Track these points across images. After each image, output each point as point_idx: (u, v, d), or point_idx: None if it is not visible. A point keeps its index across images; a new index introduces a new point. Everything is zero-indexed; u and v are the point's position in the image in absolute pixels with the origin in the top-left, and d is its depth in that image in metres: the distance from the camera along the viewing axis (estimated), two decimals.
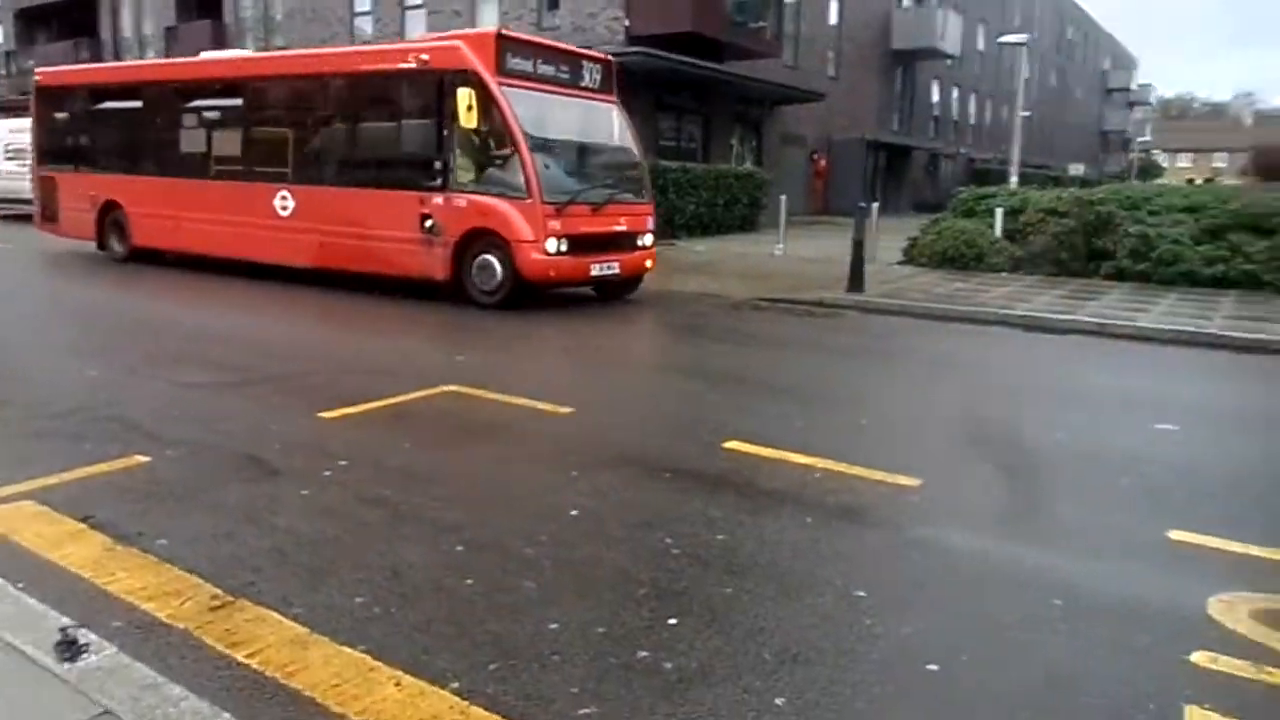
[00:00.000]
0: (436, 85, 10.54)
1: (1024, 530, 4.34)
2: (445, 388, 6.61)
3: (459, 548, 3.85)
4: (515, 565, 3.68)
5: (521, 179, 10.02)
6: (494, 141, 10.41)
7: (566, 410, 6.12)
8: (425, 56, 10.71)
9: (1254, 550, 4.04)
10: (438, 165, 10.61)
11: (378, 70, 11.40)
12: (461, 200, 10.44)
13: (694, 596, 3.47)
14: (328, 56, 13.21)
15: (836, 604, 3.47)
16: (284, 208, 12.07)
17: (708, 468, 5.06)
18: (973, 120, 46.28)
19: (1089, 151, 62.18)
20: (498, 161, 10.42)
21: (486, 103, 10.05)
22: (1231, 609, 3.45)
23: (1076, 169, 45.37)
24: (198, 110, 13.40)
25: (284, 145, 12.36)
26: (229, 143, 12.98)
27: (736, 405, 6.77)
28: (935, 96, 41.73)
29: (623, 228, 11.04)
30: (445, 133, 10.50)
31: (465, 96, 9.86)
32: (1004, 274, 14.90)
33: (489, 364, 7.80)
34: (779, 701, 2.78)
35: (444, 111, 10.40)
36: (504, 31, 10.88)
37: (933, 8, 37.38)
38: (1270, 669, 3.03)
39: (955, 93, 43.75)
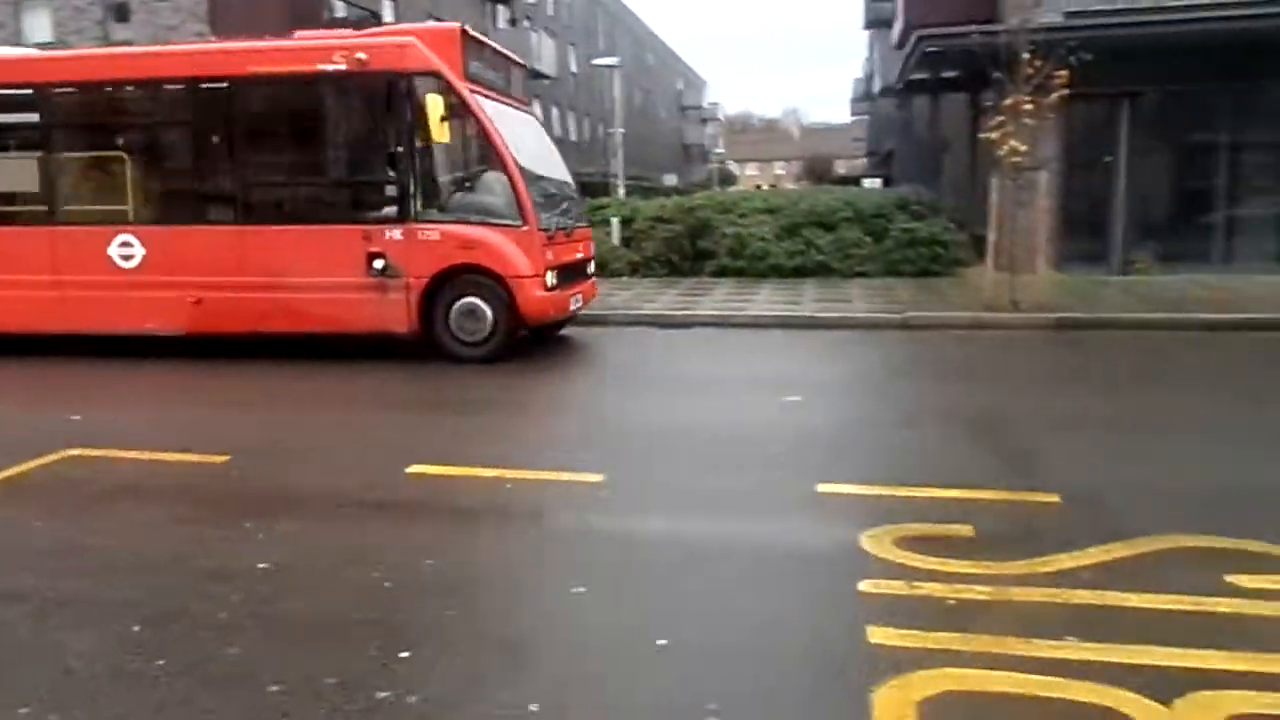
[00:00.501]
0: (384, 91, 8.59)
1: (701, 506, 4.75)
2: (66, 453, 5.73)
3: (136, 627, 3.39)
4: (212, 634, 3.32)
5: (512, 202, 8.50)
6: (469, 159, 8.86)
7: (221, 459, 5.60)
8: (362, 56, 8.50)
9: (883, 490, 4.79)
10: (391, 191, 8.69)
11: (284, 73, 8.85)
12: (431, 232, 8.58)
13: (419, 625, 3.38)
14: (194, 55, 9.55)
15: (559, 603, 3.57)
16: (127, 257, 9.13)
17: (397, 497, 4.92)
18: (574, 137, 48.93)
19: (675, 163, 68.46)
20: (471, 183, 8.88)
21: (457, 112, 8.46)
22: (879, 541, 4.07)
23: (669, 179, 49.86)
24: None
25: (122, 174, 9.26)
26: (15, 174, 9.54)
27: (407, 429, 6.63)
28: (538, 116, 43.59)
29: (582, 255, 10.01)
30: (400, 149, 8.59)
31: (435, 105, 8.17)
32: (625, 278, 15.99)
33: (115, 420, 6.87)
34: (534, 708, 2.82)
35: (397, 123, 8.59)
36: (467, 28, 8.97)
37: (526, 30, 38.99)
38: (918, 583, 3.64)
39: (555, 112, 45.96)
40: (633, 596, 3.64)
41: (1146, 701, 2.77)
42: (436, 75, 8.51)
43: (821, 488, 4.85)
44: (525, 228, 8.60)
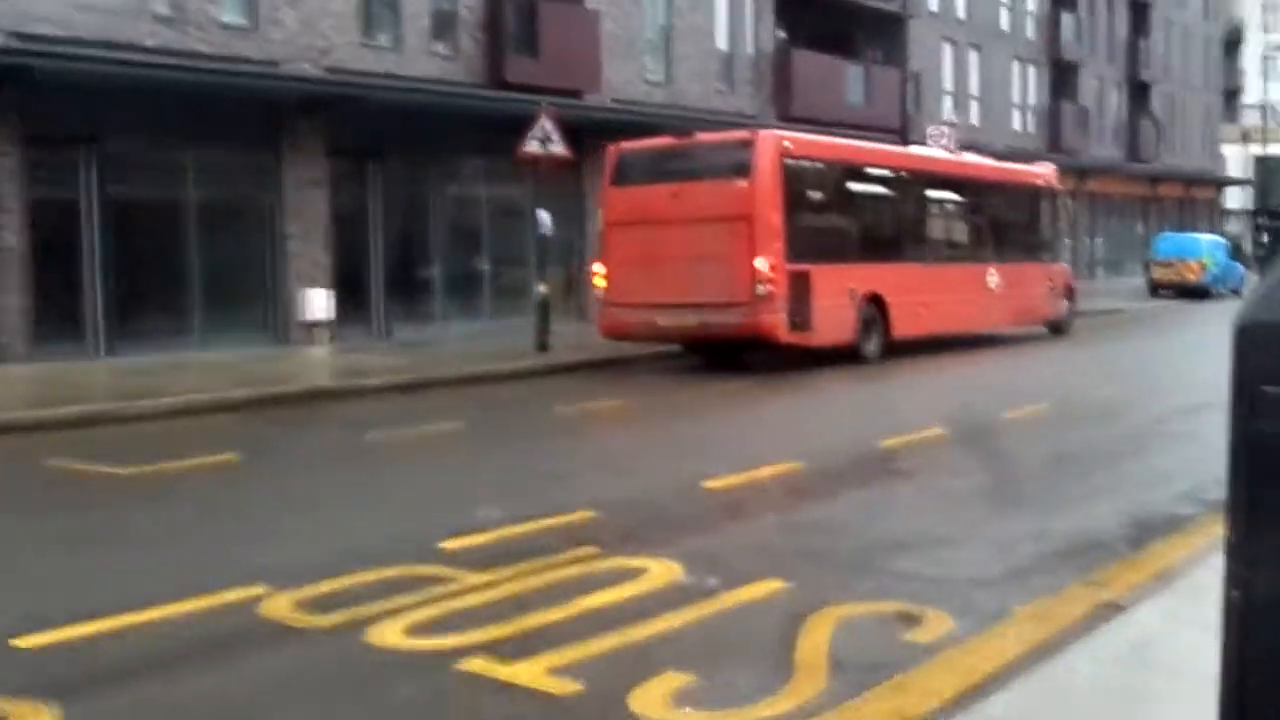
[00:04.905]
0: (1052, 196, 18.37)
1: None
2: None
3: None
4: None
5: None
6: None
7: None
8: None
9: None
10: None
11: (999, 181, 17.76)
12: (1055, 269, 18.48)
13: None
14: None
15: None
16: None
17: None
18: None
19: None
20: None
21: (1062, 209, 19.28)
22: None
23: None
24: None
25: None
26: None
27: None
28: None
29: None
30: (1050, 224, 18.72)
31: (1065, 206, 19.98)
32: None
33: None
34: None
35: (1048, 216, 18.22)
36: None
37: None
38: None
39: None
40: None
41: None
42: (1056, 189, 18.16)
43: None
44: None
